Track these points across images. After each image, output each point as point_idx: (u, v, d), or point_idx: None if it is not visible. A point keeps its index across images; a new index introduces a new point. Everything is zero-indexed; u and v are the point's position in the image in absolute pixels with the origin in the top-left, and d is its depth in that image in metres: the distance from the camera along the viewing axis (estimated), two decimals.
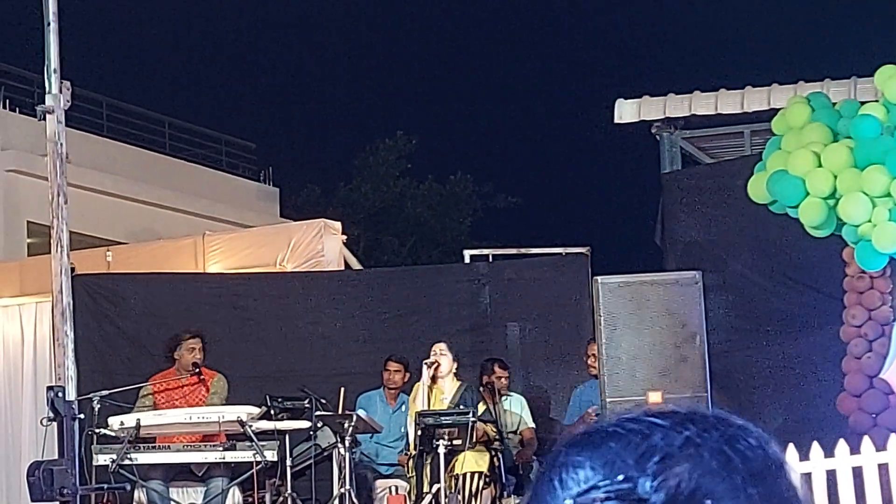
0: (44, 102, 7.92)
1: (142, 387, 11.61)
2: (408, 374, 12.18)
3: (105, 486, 9.55)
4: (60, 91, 7.53)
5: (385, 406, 12.17)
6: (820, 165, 10.03)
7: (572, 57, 42.51)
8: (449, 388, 11.58)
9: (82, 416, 7.73)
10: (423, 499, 10.89)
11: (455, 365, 11.63)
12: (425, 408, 11.24)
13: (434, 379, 11.52)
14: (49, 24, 7.61)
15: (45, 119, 7.65)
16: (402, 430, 12.01)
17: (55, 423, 7.25)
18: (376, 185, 30.08)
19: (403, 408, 12.11)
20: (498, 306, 13.42)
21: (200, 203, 22.09)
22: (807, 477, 9.27)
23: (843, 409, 10.75)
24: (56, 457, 7.43)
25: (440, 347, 11.61)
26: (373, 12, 42.52)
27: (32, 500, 7.41)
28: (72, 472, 6.77)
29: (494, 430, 11.47)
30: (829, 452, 9.40)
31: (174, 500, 10.92)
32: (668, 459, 1.35)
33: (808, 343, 11.64)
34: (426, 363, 11.47)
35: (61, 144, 7.47)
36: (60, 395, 6.96)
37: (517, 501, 11.58)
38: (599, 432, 1.39)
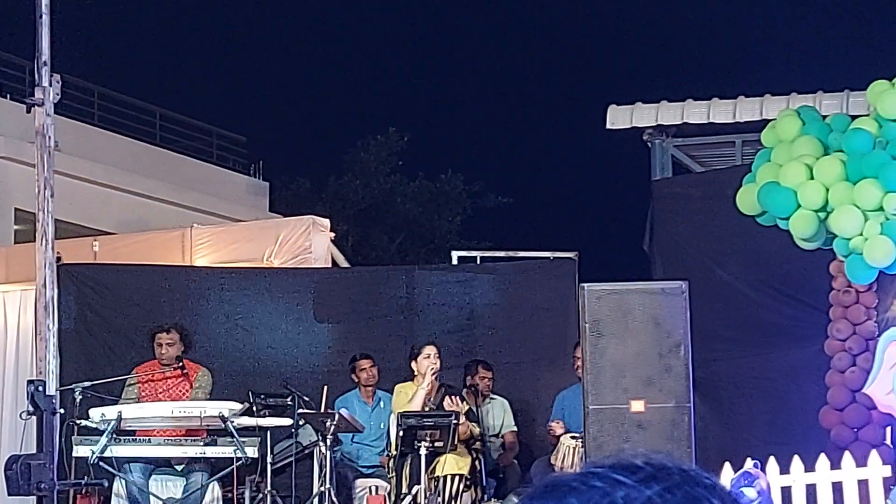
0: (34, 92, 7.87)
1: (124, 379, 11.58)
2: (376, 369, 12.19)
3: (83, 481, 9.52)
4: (50, 84, 7.49)
5: (363, 405, 12.12)
6: (812, 178, 10.03)
7: (566, 60, 42.51)
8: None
9: (62, 410, 7.69)
10: (402, 500, 10.86)
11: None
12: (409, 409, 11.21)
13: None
14: (41, 17, 7.56)
15: (33, 111, 7.61)
16: (383, 426, 11.99)
17: (34, 417, 7.22)
18: (367, 181, 30.06)
19: (382, 404, 12.08)
20: (484, 308, 13.40)
21: (189, 195, 22.02)
22: (787, 491, 9.27)
23: (826, 422, 10.75)
24: (35, 450, 7.42)
25: (433, 351, 11.54)
26: (367, 8, 42.48)
27: (9, 494, 7.39)
28: (50, 467, 6.74)
29: (478, 428, 11.46)
30: (809, 466, 9.40)
31: (153, 494, 10.90)
32: None
33: (792, 355, 11.64)
34: (431, 369, 11.38)
35: (49, 137, 7.43)
36: (41, 389, 6.93)
37: None
38: (563, 486, 1.38)
